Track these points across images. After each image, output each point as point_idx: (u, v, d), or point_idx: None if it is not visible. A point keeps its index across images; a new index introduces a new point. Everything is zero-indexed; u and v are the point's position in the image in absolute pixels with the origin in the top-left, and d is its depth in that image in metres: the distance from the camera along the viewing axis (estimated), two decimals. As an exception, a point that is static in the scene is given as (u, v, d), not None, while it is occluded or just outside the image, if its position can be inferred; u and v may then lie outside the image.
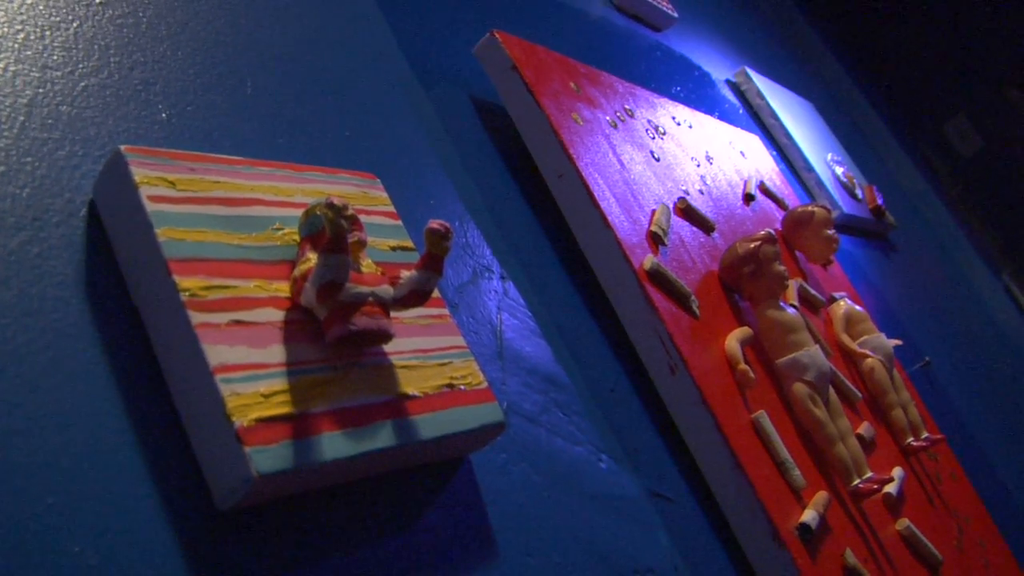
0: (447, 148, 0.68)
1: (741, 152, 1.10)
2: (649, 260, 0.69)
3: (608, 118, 0.81)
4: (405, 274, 0.42)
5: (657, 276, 0.68)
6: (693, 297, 0.71)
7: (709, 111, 1.29)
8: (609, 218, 0.68)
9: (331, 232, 0.38)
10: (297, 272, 0.41)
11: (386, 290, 0.41)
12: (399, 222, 0.51)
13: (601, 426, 0.60)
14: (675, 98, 1.20)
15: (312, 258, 0.41)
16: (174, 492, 0.36)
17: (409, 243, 0.50)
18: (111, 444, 0.35)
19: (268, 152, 0.53)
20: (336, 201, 0.37)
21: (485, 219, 0.66)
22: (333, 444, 0.37)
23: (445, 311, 0.49)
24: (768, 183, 1.09)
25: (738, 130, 1.17)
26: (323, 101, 0.60)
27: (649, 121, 0.91)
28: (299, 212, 0.44)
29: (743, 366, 0.68)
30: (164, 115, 0.49)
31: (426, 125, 0.68)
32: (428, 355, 0.45)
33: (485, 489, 0.48)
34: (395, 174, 0.60)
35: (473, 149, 0.71)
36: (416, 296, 0.42)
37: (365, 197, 0.50)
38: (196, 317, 0.36)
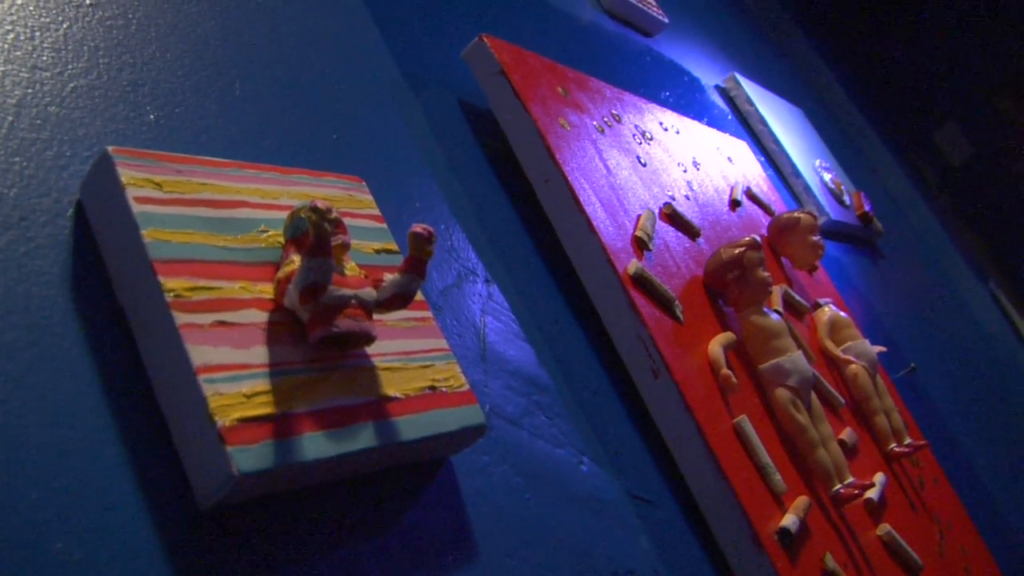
0: (434, 151, 0.69)
1: (728, 158, 1.11)
2: (634, 265, 0.69)
3: (595, 123, 0.82)
4: (388, 277, 0.43)
5: (641, 281, 0.69)
6: (677, 302, 0.72)
7: (698, 117, 1.30)
8: (594, 223, 0.69)
9: (314, 235, 0.38)
10: (281, 274, 0.41)
11: (369, 292, 0.42)
12: (384, 225, 0.52)
13: (583, 429, 0.60)
14: (664, 103, 1.21)
15: (296, 260, 0.41)
16: (156, 490, 0.36)
17: (393, 246, 0.51)
18: (95, 441, 0.36)
19: (255, 154, 0.53)
20: (320, 204, 0.38)
21: (471, 223, 0.66)
22: (314, 444, 0.38)
23: (428, 314, 0.49)
24: (755, 189, 1.10)
25: (726, 136, 1.18)
26: (311, 104, 0.61)
27: (636, 126, 0.91)
28: (284, 214, 0.45)
29: (726, 371, 0.69)
30: (152, 116, 0.49)
31: (414, 128, 0.69)
32: (410, 357, 0.46)
33: (466, 490, 0.49)
34: (382, 177, 0.61)
35: (460, 153, 0.72)
36: (398, 299, 0.43)
37: (351, 200, 0.51)
38: (180, 318, 0.37)
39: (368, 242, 0.49)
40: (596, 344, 0.68)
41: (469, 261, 0.63)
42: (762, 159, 1.44)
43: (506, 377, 0.58)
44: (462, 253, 0.63)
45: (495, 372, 0.57)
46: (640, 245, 0.74)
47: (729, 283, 0.78)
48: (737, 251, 0.78)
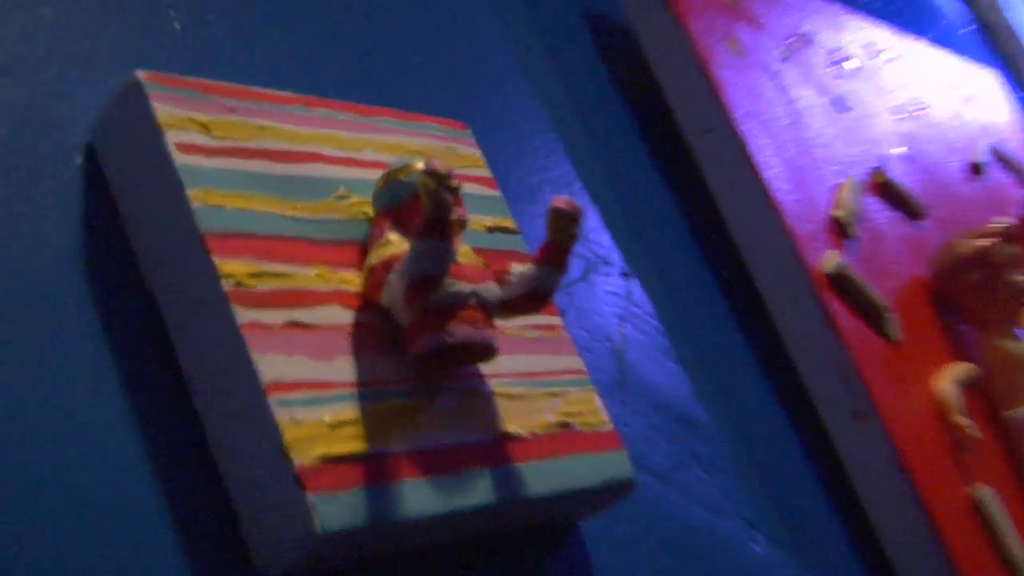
0: (552, 87, 0.71)
1: (967, 97, 1.11)
2: (832, 259, 0.71)
3: (778, 46, 0.84)
4: (517, 268, 0.45)
5: (841, 282, 0.71)
6: (891, 314, 0.73)
7: (921, 32, 1.30)
8: (775, 195, 0.71)
9: (432, 209, 0.40)
10: (375, 259, 0.44)
11: (492, 289, 0.44)
12: (498, 192, 0.54)
13: (755, 491, 0.63)
14: (873, 12, 1.22)
15: (394, 241, 0.44)
16: (199, 550, 0.39)
17: (510, 222, 0.54)
18: (116, 483, 0.38)
19: (315, 85, 0.55)
20: (439, 166, 0.40)
21: (602, 191, 0.69)
22: (417, 496, 0.40)
23: (558, 320, 0.52)
24: (1006, 148, 1.10)
25: (965, 62, 1.18)
26: (390, 18, 0.63)
27: (834, 50, 0.93)
28: (369, 174, 0.48)
29: (962, 418, 0.70)
30: (178, 25, 0.52)
31: (523, 53, 0.71)
32: (536, 380, 0.48)
33: (598, 568, 0.52)
34: (480, 121, 0.63)
35: (587, 88, 0.74)
36: (533, 299, 0.45)
37: (453, 155, 0.53)
38: (243, 315, 0.39)
39: (479, 216, 0.52)
40: (773, 370, 0.70)
41: (600, 246, 0.65)
42: (1020, 98, 1.43)
43: (650, 413, 0.60)
44: (591, 235, 0.65)
45: (636, 405, 0.60)
46: (839, 229, 0.75)
47: (968, 289, 0.79)
48: (982, 243, 0.79)
